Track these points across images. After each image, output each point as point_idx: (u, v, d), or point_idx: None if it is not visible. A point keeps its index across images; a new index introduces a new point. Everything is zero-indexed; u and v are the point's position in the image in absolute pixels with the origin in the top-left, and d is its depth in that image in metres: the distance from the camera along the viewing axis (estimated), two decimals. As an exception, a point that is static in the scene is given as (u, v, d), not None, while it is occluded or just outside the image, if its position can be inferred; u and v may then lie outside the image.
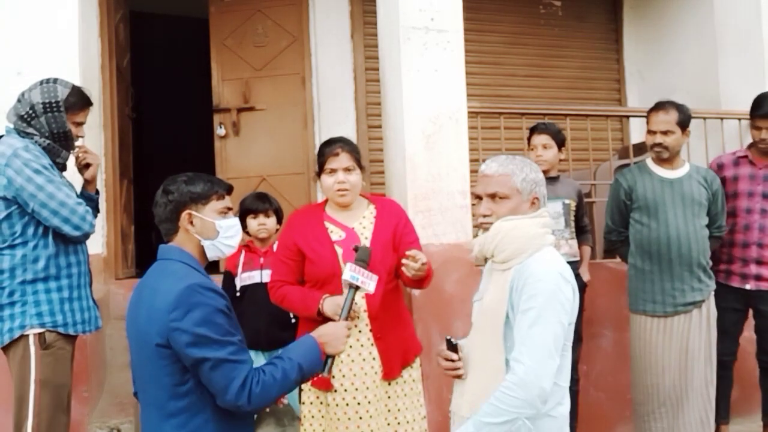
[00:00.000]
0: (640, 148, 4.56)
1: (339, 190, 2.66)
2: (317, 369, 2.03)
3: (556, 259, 2.06)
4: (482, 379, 2.04)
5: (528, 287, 1.97)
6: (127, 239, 4.90)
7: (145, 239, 5.85)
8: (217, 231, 2.01)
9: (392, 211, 2.80)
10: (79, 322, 2.77)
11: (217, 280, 4.23)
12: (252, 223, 3.48)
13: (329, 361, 2.08)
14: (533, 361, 1.90)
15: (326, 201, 2.81)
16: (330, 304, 2.52)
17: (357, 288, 2.26)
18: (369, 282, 2.28)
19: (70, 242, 2.75)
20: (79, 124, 2.82)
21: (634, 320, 3.54)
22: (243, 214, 3.50)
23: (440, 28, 3.88)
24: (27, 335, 2.65)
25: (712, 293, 3.50)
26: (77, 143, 2.89)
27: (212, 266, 2.25)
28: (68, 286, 2.74)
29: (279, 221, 3.56)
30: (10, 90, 3.34)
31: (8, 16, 3.42)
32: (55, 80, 2.78)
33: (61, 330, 2.69)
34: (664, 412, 3.41)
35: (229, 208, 2.06)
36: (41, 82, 2.77)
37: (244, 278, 3.41)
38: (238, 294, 3.38)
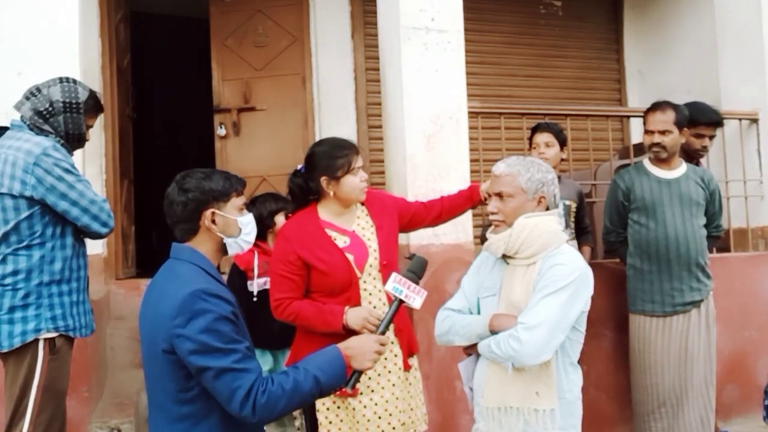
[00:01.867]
0: (641, 149, 4.56)
1: (365, 187, 2.66)
2: (339, 383, 1.89)
3: (578, 253, 2.27)
4: (533, 370, 2.12)
5: (552, 271, 2.12)
6: (128, 239, 4.91)
7: (145, 239, 5.87)
8: (239, 228, 1.97)
9: (378, 201, 2.79)
10: (83, 326, 2.75)
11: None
12: (280, 219, 3.45)
13: (355, 375, 1.92)
14: (538, 335, 2.04)
15: (315, 207, 2.70)
16: (354, 316, 2.46)
17: (401, 302, 2.08)
18: (415, 297, 2.08)
19: (81, 245, 2.74)
20: (89, 128, 2.83)
21: (634, 320, 3.54)
22: (271, 214, 3.45)
23: (441, 29, 3.88)
24: (38, 339, 2.59)
25: (711, 293, 3.50)
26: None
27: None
28: (77, 289, 2.71)
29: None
30: (10, 90, 3.34)
31: (8, 16, 3.42)
32: (75, 81, 2.76)
33: (71, 334, 2.67)
34: (663, 412, 3.41)
35: (246, 204, 2.05)
36: (60, 80, 2.72)
37: (260, 284, 3.38)
38: (255, 299, 3.37)
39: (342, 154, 2.60)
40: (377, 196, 2.86)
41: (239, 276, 3.45)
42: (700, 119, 3.80)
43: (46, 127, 2.67)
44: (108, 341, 4.08)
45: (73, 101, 2.69)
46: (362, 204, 2.75)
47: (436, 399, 3.42)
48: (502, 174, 2.24)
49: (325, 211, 2.67)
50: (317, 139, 5.16)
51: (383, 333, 2.02)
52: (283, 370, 1.86)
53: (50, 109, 2.67)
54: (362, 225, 2.69)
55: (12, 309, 2.59)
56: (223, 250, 1.99)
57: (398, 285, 2.08)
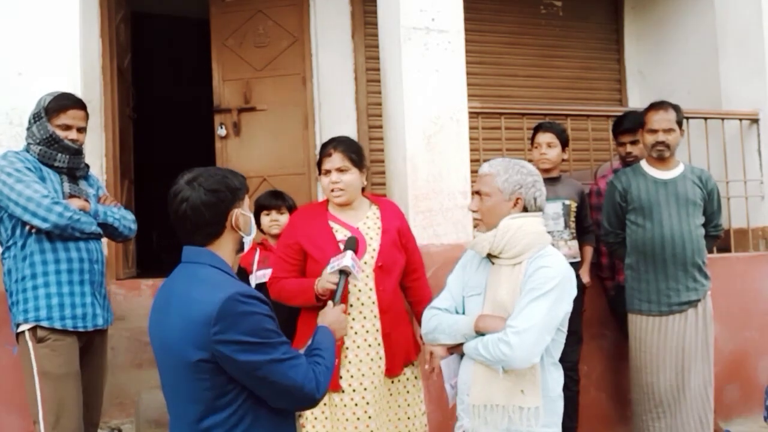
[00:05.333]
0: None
1: (333, 190, 2.70)
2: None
3: (562, 256, 2.28)
4: (519, 369, 2.13)
5: (538, 273, 2.14)
6: (128, 240, 4.90)
7: (146, 239, 5.87)
8: (252, 225, 1.93)
9: (394, 213, 2.85)
10: (68, 317, 2.81)
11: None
12: (265, 219, 3.53)
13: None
14: (528, 339, 2.07)
15: (327, 200, 2.82)
16: (321, 281, 2.51)
17: (342, 272, 2.35)
18: (342, 260, 2.37)
19: (60, 239, 2.80)
20: (66, 127, 2.88)
21: (631, 320, 3.55)
22: (257, 211, 3.57)
23: (441, 29, 3.88)
24: (24, 331, 2.78)
25: (708, 292, 3.50)
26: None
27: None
28: (56, 282, 2.80)
29: None
30: (10, 90, 3.34)
31: (8, 16, 3.42)
32: (50, 93, 2.92)
33: (45, 324, 2.77)
34: (661, 411, 3.41)
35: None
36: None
37: (258, 276, 3.43)
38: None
39: (320, 154, 2.77)
40: (397, 212, 2.87)
41: (240, 274, 3.48)
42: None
43: (30, 139, 2.88)
44: (108, 341, 4.07)
45: (37, 110, 2.87)
46: (377, 206, 2.81)
47: (436, 399, 3.42)
48: (483, 174, 2.33)
49: (333, 206, 2.79)
50: (317, 139, 5.18)
51: (340, 303, 2.22)
52: (314, 354, 1.89)
53: (28, 125, 2.90)
54: (368, 225, 2.75)
55: (10, 306, 2.85)
56: (240, 249, 1.93)
57: (332, 262, 2.40)
